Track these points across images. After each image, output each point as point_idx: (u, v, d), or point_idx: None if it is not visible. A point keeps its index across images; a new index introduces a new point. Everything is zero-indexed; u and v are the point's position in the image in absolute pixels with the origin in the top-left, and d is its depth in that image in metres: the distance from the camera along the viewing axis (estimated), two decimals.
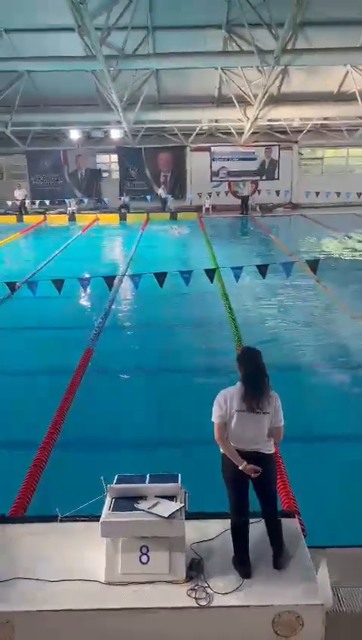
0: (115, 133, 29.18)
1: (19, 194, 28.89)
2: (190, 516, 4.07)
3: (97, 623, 3.69)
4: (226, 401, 3.97)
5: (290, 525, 4.31)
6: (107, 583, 3.86)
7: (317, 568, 3.89)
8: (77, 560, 4.05)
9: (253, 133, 28.69)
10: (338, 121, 28.65)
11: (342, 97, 25.51)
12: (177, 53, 19.49)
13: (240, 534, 4.01)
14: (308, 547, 4.15)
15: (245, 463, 3.91)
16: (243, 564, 3.92)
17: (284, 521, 4.21)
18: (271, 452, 4.05)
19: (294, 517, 4.46)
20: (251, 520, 4.09)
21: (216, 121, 29.15)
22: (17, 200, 28.75)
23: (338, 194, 28.10)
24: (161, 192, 29.65)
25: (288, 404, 6.57)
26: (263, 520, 4.11)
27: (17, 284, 10.19)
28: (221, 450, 4.04)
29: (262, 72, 20.14)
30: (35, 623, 3.68)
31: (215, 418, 3.99)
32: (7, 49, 20.61)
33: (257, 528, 4.12)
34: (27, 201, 29.45)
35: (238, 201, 29.78)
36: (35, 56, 19.65)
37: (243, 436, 3.96)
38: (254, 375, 4.02)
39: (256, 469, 3.91)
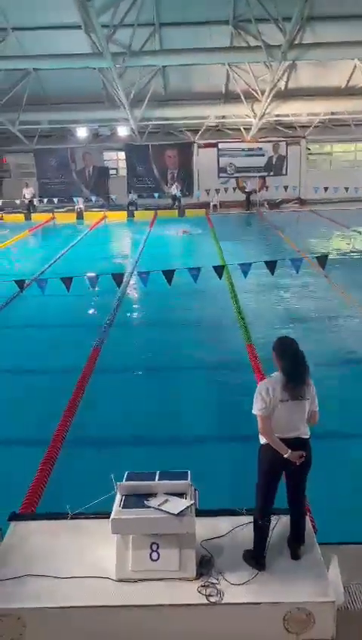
0: (122, 131, 29.17)
1: (27, 193, 28.97)
2: (200, 513, 4.07)
3: (108, 619, 3.70)
4: (269, 392, 3.95)
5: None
6: (118, 580, 3.87)
7: (328, 565, 3.88)
8: (87, 557, 4.06)
9: (260, 129, 28.57)
10: (346, 116, 28.46)
11: (350, 92, 25.32)
12: (184, 49, 19.40)
13: (263, 528, 4.02)
14: (319, 544, 4.14)
15: (290, 450, 3.93)
16: (258, 557, 3.94)
17: None
18: (309, 436, 4.09)
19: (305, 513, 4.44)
20: (282, 516, 4.14)
21: (223, 117, 29.07)
22: (26, 199, 28.84)
23: (347, 189, 27.93)
24: (173, 188, 29.57)
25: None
26: (281, 518, 4.13)
27: (26, 282, 10.21)
28: (262, 441, 4.04)
29: (270, 68, 20.03)
30: (46, 620, 3.70)
31: (259, 410, 3.96)
32: (13, 47, 20.64)
33: (281, 524, 4.13)
34: (35, 200, 29.52)
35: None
36: (41, 54, 19.65)
37: (288, 425, 3.97)
38: (295, 364, 4.03)
39: (301, 454, 3.94)
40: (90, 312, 12.26)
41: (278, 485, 4.06)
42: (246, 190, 29.78)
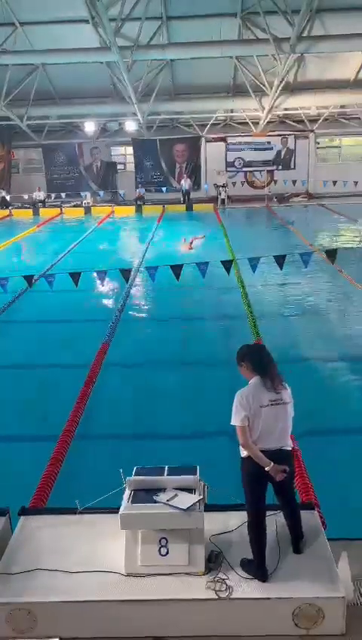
0: (130, 125, 29.13)
1: (38, 195, 29.11)
2: (209, 508, 4.06)
3: (117, 613, 3.71)
4: (248, 400, 3.86)
5: (310, 518, 4.28)
6: (127, 575, 3.88)
7: (337, 561, 3.87)
8: (97, 552, 4.07)
9: (268, 122, 28.44)
10: (355, 109, 28.25)
11: (359, 84, 25.15)
12: (192, 42, 19.36)
13: (259, 535, 3.92)
14: (328, 540, 4.12)
15: (272, 464, 3.83)
16: (261, 568, 3.83)
17: (304, 514, 4.19)
18: (291, 447, 4.01)
19: (314, 509, 4.43)
20: (267, 513, 4.07)
21: (232, 111, 28.96)
22: (37, 200, 28.94)
23: (356, 183, 27.75)
24: (183, 183, 29.50)
25: (309, 396, 6.52)
26: (281, 513, 4.10)
27: (35, 277, 10.22)
28: (243, 454, 3.94)
29: (278, 60, 19.90)
30: (57, 614, 3.71)
31: (239, 421, 3.84)
32: (22, 42, 20.66)
33: (271, 522, 4.08)
34: (45, 198, 29.64)
35: (256, 192, 29.55)
36: (49, 49, 19.64)
37: (272, 433, 3.87)
38: (263, 358, 4.01)
39: (283, 469, 3.84)
40: (99, 307, 12.26)
41: (266, 492, 3.97)
42: (217, 185, 29.45)
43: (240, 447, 3.94)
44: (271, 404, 3.88)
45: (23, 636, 3.70)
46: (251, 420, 3.85)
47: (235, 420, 3.88)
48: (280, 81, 21.93)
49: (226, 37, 20.11)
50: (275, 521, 4.14)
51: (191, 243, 16.67)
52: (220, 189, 29.02)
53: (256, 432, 3.86)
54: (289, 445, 3.98)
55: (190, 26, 20.17)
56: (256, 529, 3.93)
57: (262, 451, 3.85)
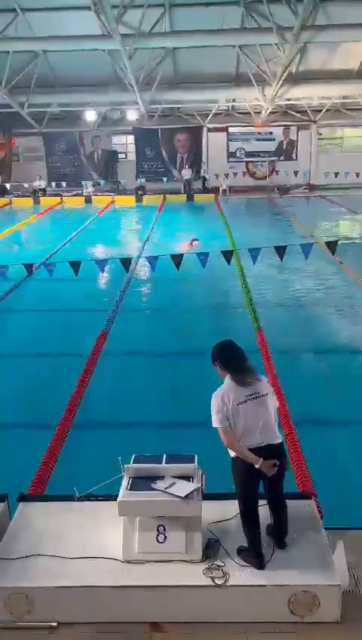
0: (131, 114, 28.96)
1: (40, 184, 28.99)
2: (207, 496, 4.08)
3: (114, 599, 3.74)
4: (224, 399, 3.84)
5: (307, 507, 4.31)
6: (124, 561, 3.91)
7: (333, 549, 3.89)
8: (95, 538, 4.10)
9: (271, 113, 28.27)
10: (358, 100, 28.06)
11: None
12: (194, 31, 19.14)
13: (252, 525, 3.94)
14: (325, 528, 4.15)
15: (261, 460, 3.80)
16: (258, 557, 3.86)
17: (301, 503, 4.21)
18: (281, 441, 3.98)
19: (311, 498, 4.46)
20: (260, 503, 4.09)
21: (234, 100, 28.77)
22: (37, 188, 28.84)
23: (358, 174, 27.63)
24: (184, 172, 29.37)
25: (307, 386, 6.54)
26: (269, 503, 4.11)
27: (35, 266, 10.21)
28: (231, 454, 3.93)
29: (281, 50, 19.74)
30: (54, 598, 3.75)
31: (219, 423, 3.83)
32: (23, 29, 20.48)
33: (267, 510, 4.11)
34: (45, 187, 29.54)
35: (257, 183, 29.44)
36: (50, 35, 19.48)
37: (254, 428, 3.84)
38: (232, 355, 3.98)
39: (273, 463, 3.83)
40: (98, 296, 12.25)
41: (258, 487, 3.97)
42: (185, 178, 29.25)
43: (228, 449, 3.92)
44: (248, 399, 3.85)
45: (21, 620, 3.74)
46: (231, 419, 3.83)
47: (215, 422, 3.86)
48: (283, 71, 21.77)
49: (229, 25, 19.91)
50: (269, 510, 4.14)
51: (191, 243, 16.37)
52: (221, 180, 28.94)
53: (238, 430, 3.84)
54: (277, 439, 3.93)
55: (193, 14, 19.98)
56: (249, 519, 3.95)
57: (249, 449, 3.83)
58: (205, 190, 29.15)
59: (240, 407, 3.83)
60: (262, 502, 4.05)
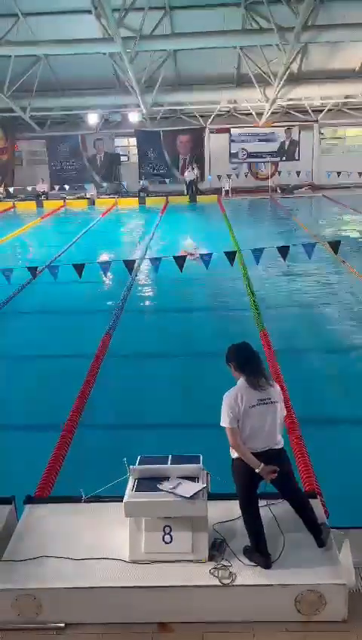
0: (133, 117, 29.01)
1: (42, 187, 29.07)
2: (212, 497, 4.09)
3: (121, 600, 3.76)
4: (236, 400, 3.87)
5: (313, 506, 4.30)
6: (131, 562, 3.92)
7: (339, 548, 3.90)
8: (101, 539, 4.11)
9: (272, 113, 28.26)
10: (360, 99, 28.04)
11: None
12: (195, 33, 19.16)
13: (255, 526, 3.94)
14: (331, 528, 4.15)
15: (262, 465, 3.84)
16: (264, 556, 3.87)
17: None
18: (282, 446, 4.02)
19: (316, 498, 4.46)
20: (273, 501, 4.12)
21: (235, 102, 28.78)
22: (41, 192, 28.93)
23: (360, 174, 27.60)
24: (187, 174, 29.38)
25: (311, 385, 6.54)
26: (284, 502, 4.12)
27: (39, 269, 10.25)
28: (233, 455, 3.97)
29: (282, 50, 19.75)
30: (61, 600, 3.76)
31: (228, 423, 3.85)
32: (24, 33, 20.55)
33: (276, 509, 4.14)
34: (48, 190, 29.63)
35: (259, 183, 29.42)
36: (52, 39, 19.55)
37: (261, 432, 3.88)
38: (248, 358, 4.01)
39: (273, 470, 3.86)
40: (102, 298, 12.28)
41: (258, 488, 3.99)
42: (187, 179, 29.21)
43: (231, 449, 3.96)
44: (260, 404, 3.89)
45: (29, 622, 3.76)
46: (241, 421, 3.86)
47: (224, 422, 3.89)
48: (284, 72, 21.77)
49: (230, 27, 19.92)
50: (270, 509, 4.16)
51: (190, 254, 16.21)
52: (223, 181, 28.90)
53: (245, 431, 3.88)
54: (279, 444, 3.98)
55: (193, 15, 20.02)
56: (251, 520, 3.98)
57: (251, 452, 3.87)
58: (198, 192, 29.01)
59: (252, 410, 3.87)
60: (262, 502, 4.07)
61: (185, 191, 29.02)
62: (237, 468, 3.96)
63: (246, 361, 3.99)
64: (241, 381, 3.97)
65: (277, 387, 4.06)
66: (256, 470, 3.85)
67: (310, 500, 4.25)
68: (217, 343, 9.06)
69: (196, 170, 29.40)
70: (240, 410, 3.85)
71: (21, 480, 5.21)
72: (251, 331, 9.17)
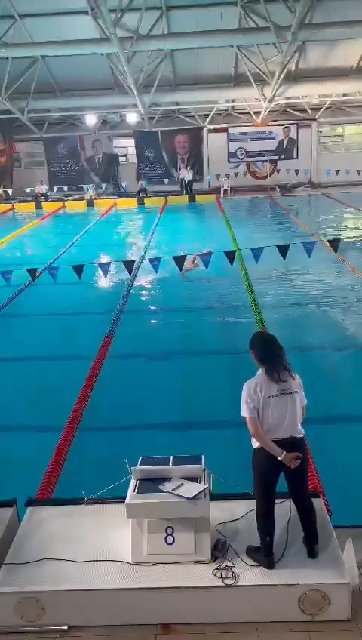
0: (131, 117, 28.99)
1: (41, 189, 29.07)
2: (214, 497, 4.09)
3: (124, 601, 3.75)
4: (256, 390, 3.86)
5: (315, 505, 4.29)
6: (134, 564, 3.91)
7: (342, 547, 3.89)
8: (104, 541, 4.10)
9: (270, 112, 28.26)
10: (358, 97, 28.01)
11: (361, 72, 24.89)
12: (192, 32, 19.18)
13: (268, 524, 3.94)
14: (334, 527, 4.14)
15: (284, 452, 3.83)
16: (268, 556, 3.86)
17: None
18: (303, 435, 4.00)
19: (319, 497, 4.44)
20: (276, 501, 4.09)
21: (233, 101, 28.76)
22: (39, 194, 28.91)
23: (359, 171, 27.57)
24: (183, 172, 29.34)
25: (314, 383, 6.51)
26: (290, 501, 4.10)
27: (38, 270, 10.24)
28: (255, 445, 3.95)
29: (279, 49, 19.73)
30: (64, 602, 3.75)
31: (248, 412, 3.84)
32: (21, 35, 20.55)
33: (281, 509, 4.11)
34: (47, 192, 29.60)
35: (258, 182, 29.39)
36: (49, 40, 19.53)
37: (282, 422, 3.87)
38: (269, 349, 3.99)
39: (296, 456, 3.85)
40: (102, 299, 12.27)
41: (277, 483, 3.98)
42: (182, 178, 29.10)
43: (252, 439, 3.94)
44: (281, 394, 3.88)
45: (32, 625, 3.74)
46: (260, 411, 3.86)
47: (244, 412, 3.88)
48: (282, 70, 21.75)
49: (227, 26, 19.91)
50: (284, 508, 4.11)
51: (193, 261, 16.13)
52: (222, 180, 28.86)
53: (266, 422, 3.87)
54: (300, 433, 3.97)
55: (190, 15, 20.01)
56: (265, 518, 3.95)
57: (273, 441, 3.85)
58: (191, 192, 28.87)
59: (272, 400, 3.86)
60: (278, 500, 4.04)
61: (182, 190, 28.97)
62: (258, 457, 3.94)
63: (267, 356, 3.98)
64: (261, 371, 3.96)
65: (298, 378, 4.04)
66: (279, 458, 3.82)
67: (313, 498, 4.24)
68: (218, 343, 9.14)
69: (190, 171, 29.34)
70: (260, 399, 3.85)
71: (22, 482, 5.19)
72: (251, 330, 9.15)
